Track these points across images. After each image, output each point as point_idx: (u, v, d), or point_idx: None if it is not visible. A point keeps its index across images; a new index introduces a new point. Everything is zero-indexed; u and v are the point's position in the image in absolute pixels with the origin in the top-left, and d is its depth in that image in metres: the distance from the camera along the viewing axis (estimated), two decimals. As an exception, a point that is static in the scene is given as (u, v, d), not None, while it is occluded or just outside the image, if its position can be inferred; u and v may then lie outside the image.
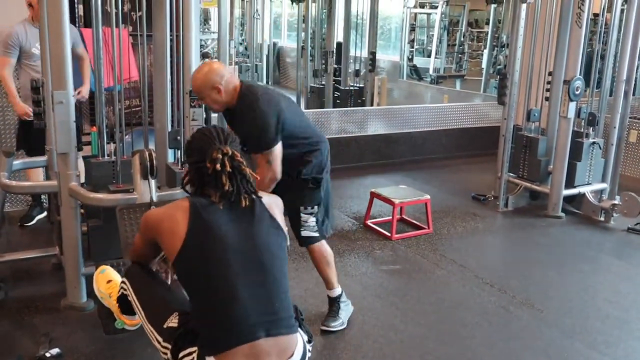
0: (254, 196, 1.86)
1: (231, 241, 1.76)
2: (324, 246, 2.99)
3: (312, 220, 2.92)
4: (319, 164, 2.91)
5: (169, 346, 1.76)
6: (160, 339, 1.82)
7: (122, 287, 2.09)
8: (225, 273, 1.73)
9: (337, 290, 3.03)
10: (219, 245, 1.75)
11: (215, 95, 2.68)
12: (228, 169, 1.79)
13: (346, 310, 3.06)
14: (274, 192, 2.54)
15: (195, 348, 1.69)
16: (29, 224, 4.14)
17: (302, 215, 2.91)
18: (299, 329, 1.83)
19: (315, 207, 2.92)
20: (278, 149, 2.73)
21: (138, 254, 2.10)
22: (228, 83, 2.68)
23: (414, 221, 4.54)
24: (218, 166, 1.77)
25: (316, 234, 2.95)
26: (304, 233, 2.93)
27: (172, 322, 1.81)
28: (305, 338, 1.82)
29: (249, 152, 2.70)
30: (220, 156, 1.79)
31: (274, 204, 1.93)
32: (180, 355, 1.70)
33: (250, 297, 1.71)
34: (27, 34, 3.75)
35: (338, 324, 2.98)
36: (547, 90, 4.95)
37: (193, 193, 1.90)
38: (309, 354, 1.85)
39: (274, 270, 1.80)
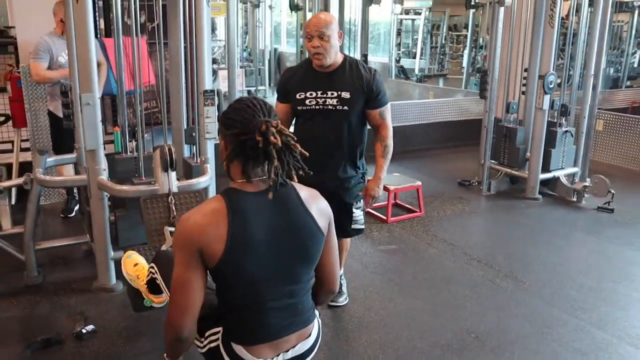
0: (294, 185, 1.55)
1: (267, 257, 1.50)
2: None
3: (360, 214, 2.74)
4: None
5: None
6: None
7: (150, 272, 2.07)
8: (258, 291, 1.53)
9: (341, 270, 3.02)
10: (254, 264, 1.50)
11: (335, 40, 2.50)
12: (279, 143, 1.45)
13: (345, 285, 3.05)
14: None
15: (219, 328, 1.61)
16: (70, 215, 4.15)
17: (354, 211, 2.70)
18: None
19: (361, 200, 2.73)
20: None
21: (190, 296, 1.51)
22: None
23: (407, 205, 4.53)
24: (272, 139, 1.43)
25: (363, 226, 2.79)
26: (355, 226, 2.74)
27: None
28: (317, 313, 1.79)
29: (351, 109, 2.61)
30: (271, 129, 1.44)
31: (312, 199, 1.59)
32: (207, 334, 1.66)
33: (280, 309, 1.57)
34: (55, 44, 3.72)
35: (343, 299, 2.98)
36: (524, 85, 4.96)
37: (234, 172, 1.55)
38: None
39: (305, 277, 1.61)
